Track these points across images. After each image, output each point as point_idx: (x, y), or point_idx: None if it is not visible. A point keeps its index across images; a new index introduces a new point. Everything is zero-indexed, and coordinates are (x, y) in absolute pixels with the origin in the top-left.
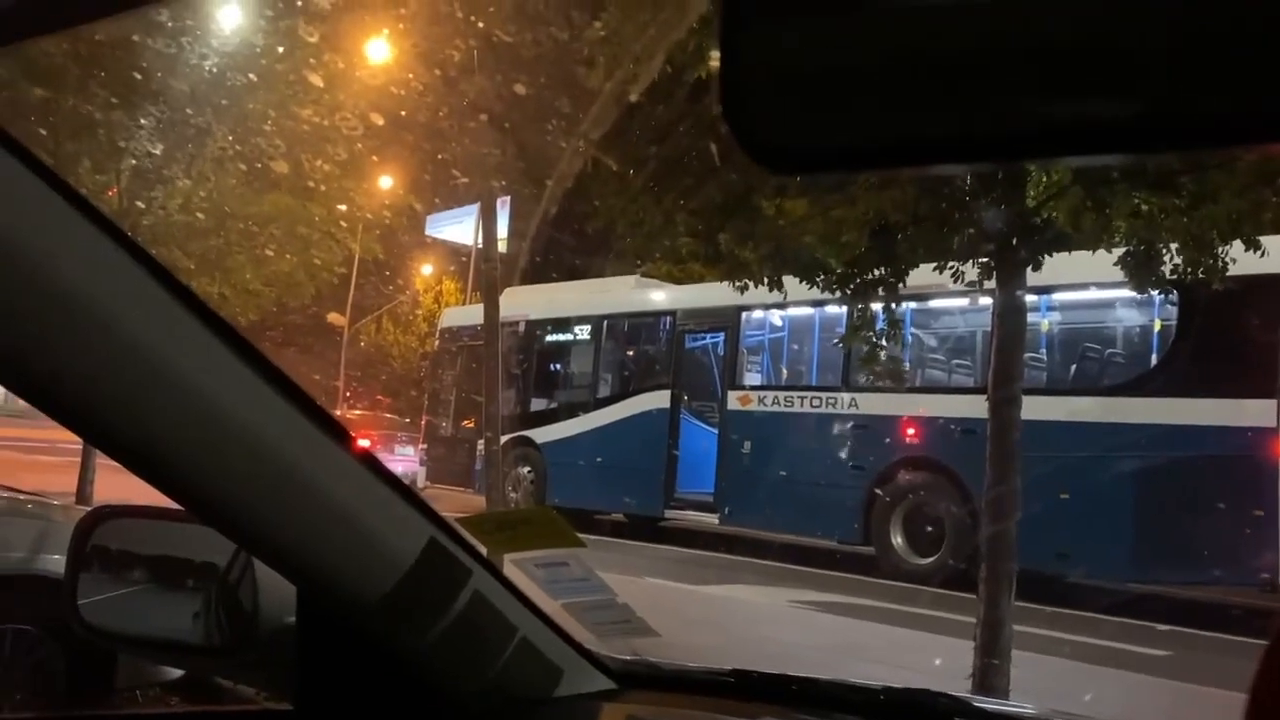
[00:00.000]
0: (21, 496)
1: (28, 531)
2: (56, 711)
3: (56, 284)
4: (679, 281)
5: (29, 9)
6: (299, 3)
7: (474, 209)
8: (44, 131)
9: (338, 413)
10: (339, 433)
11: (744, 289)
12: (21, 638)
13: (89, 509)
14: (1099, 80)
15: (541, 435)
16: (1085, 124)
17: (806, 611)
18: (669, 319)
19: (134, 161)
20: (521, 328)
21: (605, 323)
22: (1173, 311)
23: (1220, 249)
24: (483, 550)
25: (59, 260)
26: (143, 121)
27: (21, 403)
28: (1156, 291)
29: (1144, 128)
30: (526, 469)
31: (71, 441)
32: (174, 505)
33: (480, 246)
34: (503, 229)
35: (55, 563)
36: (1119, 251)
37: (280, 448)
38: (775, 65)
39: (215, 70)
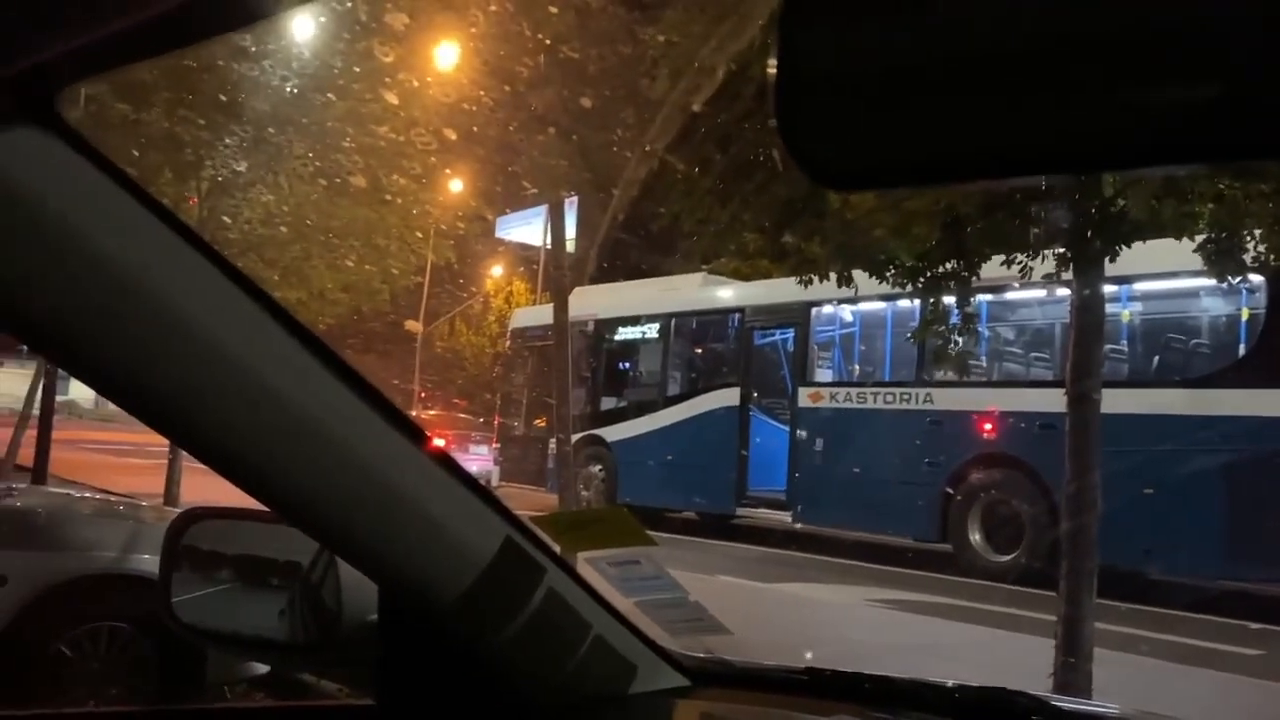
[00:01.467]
0: (114, 499)
1: (120, 532)
2: (149, 704)
3: (146, 294)
4: (746, 278)
5: (146, 33)
6: (374, 25)
7: (542, 210)
8: (136, 153)
9: (414, 414)
10: (417, 434)
11: (808, 284)
12: (116, 634)
13: (178, 510)
14: (1193, 76)
15: (612, 434)
16: (1174, 129)
17: (881, 609)
18: (738, 316)
19: (217, 176)
20: (590, 327)
21: (673, 321)
22: (1260, 299)
23: None
24: (556, 549)
25: (148, 271)
26: (227, 141)
27: (111, 406)
28: (1240, 279)
29: (1248, 136)
30: (598, 467)
31: (159, 445)
32: (260, 507)
33: (549, 248)
34: (571, 228)
35: (146, 562)
36: (1200, 239)
37: (361, 450)
38: (830, 83)
39: (296, 91)
